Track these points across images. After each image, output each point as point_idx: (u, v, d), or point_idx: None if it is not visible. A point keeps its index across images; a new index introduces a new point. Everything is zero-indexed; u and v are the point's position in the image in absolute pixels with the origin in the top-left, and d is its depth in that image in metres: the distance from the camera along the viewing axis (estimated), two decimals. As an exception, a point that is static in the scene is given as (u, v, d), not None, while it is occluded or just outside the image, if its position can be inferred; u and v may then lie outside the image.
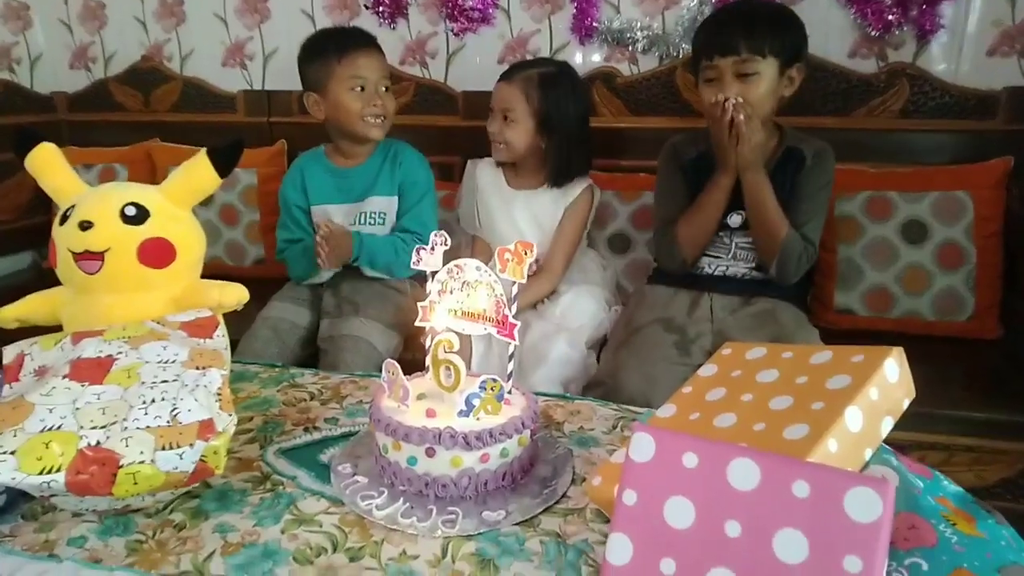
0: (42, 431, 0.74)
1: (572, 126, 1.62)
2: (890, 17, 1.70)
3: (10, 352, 0.87)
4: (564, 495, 0.83)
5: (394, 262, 1.58)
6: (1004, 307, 1.57)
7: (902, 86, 1.70)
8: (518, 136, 1.60)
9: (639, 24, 1.91)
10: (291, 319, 1.59)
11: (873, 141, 1.72)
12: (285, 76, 2.19)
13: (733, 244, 1.50)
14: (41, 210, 2.29)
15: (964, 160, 1.63)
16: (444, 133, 2.03)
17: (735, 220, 1.47)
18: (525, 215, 1.68)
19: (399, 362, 0.86)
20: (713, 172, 1.43)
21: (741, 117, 1.30)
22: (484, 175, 1.74)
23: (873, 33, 1.74)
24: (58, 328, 1.01)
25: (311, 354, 1.58)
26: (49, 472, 0.71)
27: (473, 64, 2.07)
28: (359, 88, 1.56)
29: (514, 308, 0.86)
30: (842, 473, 0.53)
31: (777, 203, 1.38)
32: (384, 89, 1.60)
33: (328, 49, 1.57)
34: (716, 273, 1.52)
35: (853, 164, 1.64)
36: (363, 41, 1.60)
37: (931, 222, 1.56)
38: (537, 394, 0.99)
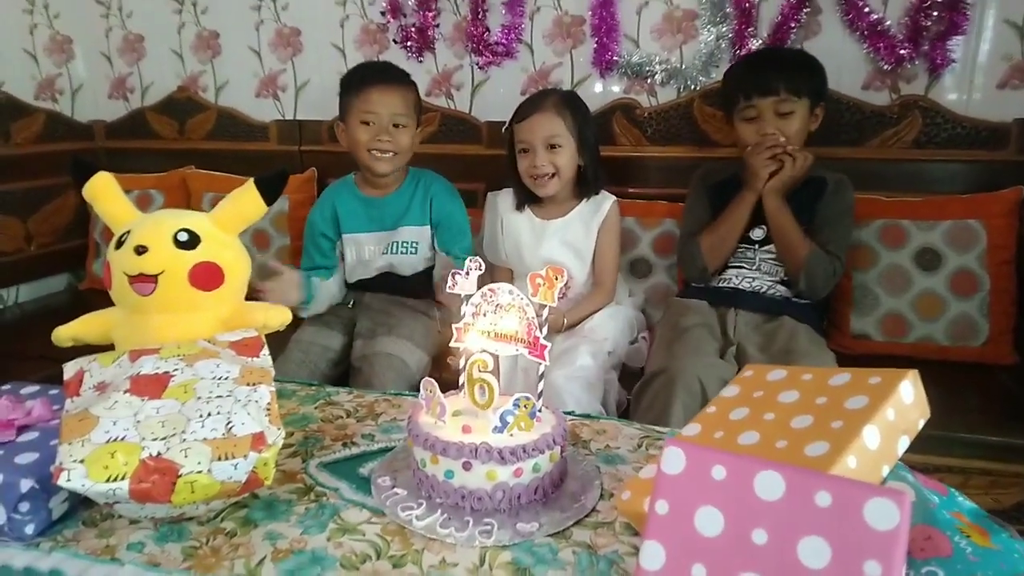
0: (107, 442, 0.79)
1: (597, 137, 1.70)
2: (902, 52, 1.76)
3: (70, 369, 0.92)
4: (594, 509, 0.87)
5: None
6: (1018, 333, 1.60)
7: (915, 118, 1.75)
8: (567, 161, 1.64)
9: (658, 58, 1.98)
10: (322, 343, 1.64)
11: (887, 171, 1.77)
12: (316, 107, 2.28)
13: (757, 257, 1.61)
14: (78, 233, 2.38)
15: (976, 190, 1.67)
16: (468, 161, 2.10)
17: (758, 234, 1.60)
18: (558, 245, 1.70)
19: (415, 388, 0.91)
20: (738, 192, 1.57)
21: (790, 148, 1.50)
22: (507, 210, 1.77)
23: (886, 67, 1.79)
24: (110, 347, 1.06)
25: (340, 374, 1.65)
26: (114, 480, 0.76)
27: (497, 95, 2.14)
28: (369, 123, 1.61)
29: (544, 330, 0.91)
30: (862, 484, 0.57)
31: (797, 225, 1.50)
32: (397, 126, 1.61)
33: (352, 82, 1.64)
34: (743, 286, 1.61)
35: (868, 193, 1.68)
36: (382, 77, 1.63)
37: (945, 250, 1.60)
38: (565, 413, 1.03)
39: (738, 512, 0.59)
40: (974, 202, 1.63)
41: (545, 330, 0.91)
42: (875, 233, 1.65)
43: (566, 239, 1.71)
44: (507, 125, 1.73)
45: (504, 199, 1.79)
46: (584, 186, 1.71)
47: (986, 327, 1.58)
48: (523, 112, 1.67)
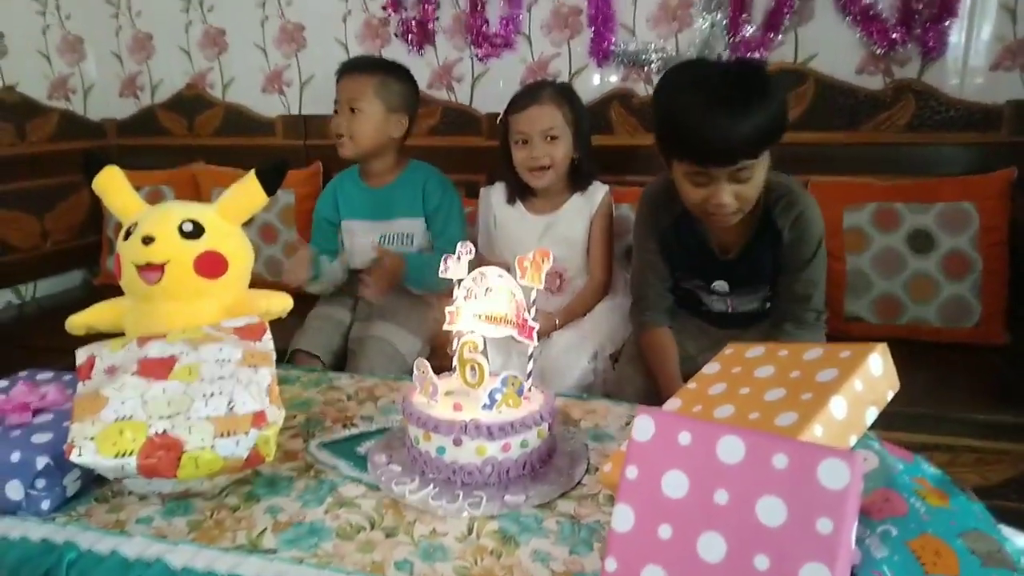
0: (116, 420, 0.84)
1: (590, 128, 1.71)
2: (894, 35, 1.77)
3: (82, 354, 0.97)
4: (579, 483, 0.91)
5: (431, 273, 1.67)
6: (1010, 314, 1.61)
7: (908, 101, 1.76)
8: (563, 152, 1.65)
9: (653, 46, 2.00)
10: (336, 317, 1.75)
11: (880, 155, 1.78)
12: (320, 101, 2.32)
13: (728, 302, 1.44)
14: (92, 230, 2.44)
15: (970, 172, 1.68)
16: (469, 153, 2.14)
17: (721, 286, 1.40)
18: (552, 239, 1.69)
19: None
20: (690, 237, 1.37)
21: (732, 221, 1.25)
22: (500, 205, 1.79)
23: (879, 51, 1.81)
24: (121, 334, 1.11)
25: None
26: (123, 456, 0.81)
27: (496, 87, 2.17)
28: (337, 111, 1.68)
29: (533, 311, 0.94)
30: (816, 447, 0.60)
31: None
32: (351, 110, 1.64)
33: (336, 76, 1.72)
34: (716, 311, 1.47)
35: (861, 177, 1.70)
36: (352, 65, 1.71)
37: (937, 232, 1.61)
38: (556, 394, 1.07)
39: (702, 475, 0.63)
40: (966, 184, 1.64)
41: (534, 311, 0.94)
42: (868, 216, 1.66)
43: (560, 233, 1.71)
44: (501, 116, 1.73)
45: (496, 193, 1.81)
46: (577, 179, 1.72)
47: (978, 308, 1.60)
48: (520, 103, 1.66)
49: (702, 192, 1.22)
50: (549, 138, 1.63)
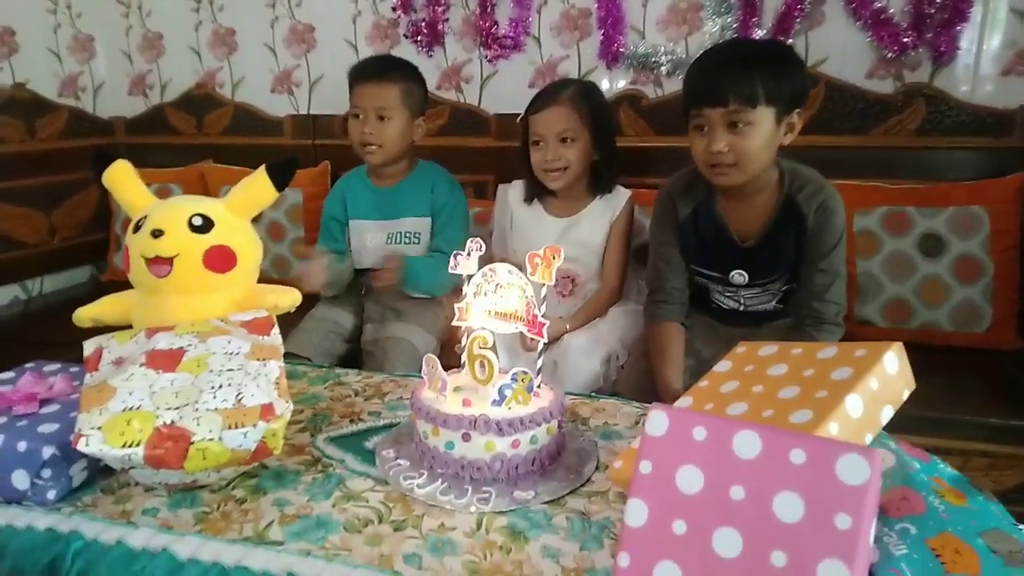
0: (123, 410, 0.83)
1: (614, 131, 1.69)
2: (905, 39, 1.76)
3: (89, 346, 0.97)
4: (589, 480, 0.90)
5: (434, 282, 1.67)
6: (1022, 318, 1.60)
7: (918, 105, 1.76)
8: (579, 155, 1.61)
9: (663, 49, 2.00)
10: (333, 319, 1.72)
11: (891, 159, 1.77)
12: (329, 102, 2.33)
13: (741, 299, 1.43)
14: (100, 227, 2.45)
15: (981, 177, 1.67)
16: (478, 154, 2.14)
17: (737, 279, 1.39)
18: (570, 243, 1.65)
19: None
20: (709, 226, 1.38)
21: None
22: (517, 204, 1.76)
23: (889, 55, 1.80)
24: (128, 327, 1.10)
25: (349, 352, 1.72)
26: (130, 446, 0.81)
27: (505, 88, 2.17)
28: (357, 116, 1.66)
29: (543, 308, 0.94)
30: (834, 442, 0.59)
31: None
32: (381, 118, 1.63)
33: (349, 78, 1.70)
34: (728, 308, 1.47)
35: (872, 181, 1.69)
36: (369, 72, 1.67)
37: (948, 236, 1.60)
38: (565, 393, 1.06)
39: (717, 470, 0.62)
40: (978, 188, 1.63)
41: (544, 307, 0.94)
42: (879, 220, 1.66)
43: (579, 237, 1.67)
44: (522, 116, 1.69)
45: (515, 191, 1.78)
46: (598, 181, 1.68)
47: (989, 313, 1.59)
48: (538, 104, 1.63)
49: (703, 141, 1.26)
50: (564, 140, 1.60)
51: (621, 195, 1.70)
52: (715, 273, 1.42)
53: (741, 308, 1.44)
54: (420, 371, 0.92)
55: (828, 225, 1.29)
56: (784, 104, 1.23)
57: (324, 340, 1.67)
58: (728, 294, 1.44)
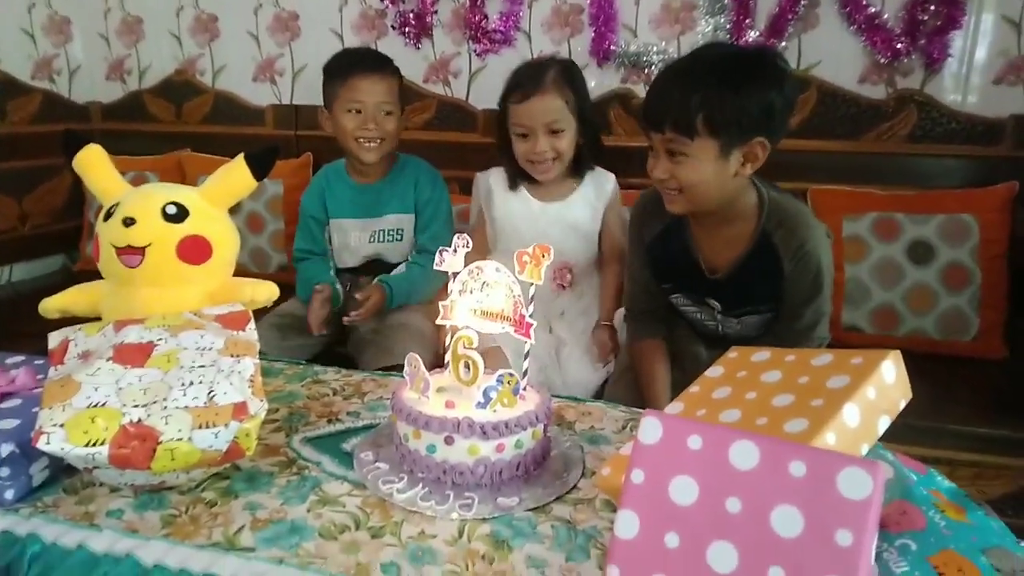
0: (88, 407, 0.79)
1: (593, 110, 1.64)
2: (899, 45, 1.76)
3: (55, 338, 0.92)
4: (575, 486, 0.87)
5: (419, 293, 1.65)
6: (1009, 328, 1.60)
7: (910, 112, 1.75)
8: (569, 142, 1.55)
9: (655, 48, 1.98)
10: (298, 314, 1.65)
11: (881, 165, 1.77)
12: (313, 92, 2.25)
13: (720, 325, 1.35)
14: (73, 214, 2.37)
15: (971, 185, 1.67)
16: (464, 149, 2.10)
17: (714, 303, 1.32)
18: (561, 228, 1.61)
19: (437, 356, 0.91)
20: (678, 249, 1.30)
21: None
22: (500, 190, 1.68)
23: (882, 61, 1.79)
24: (97, 319, 1.06)
25: (314, 346, 1.66)
26: (94, 445, 0.76)
27: (494, 84, 2.13)
28: (355, 111, 1.61)
29: (531, 308, 0.91)
30: (836, 454, 0.57)
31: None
32: (385, 113, 1.62)
33: (337, 70, 1.64)
34: (710, 330, 1.38)
35: (862, 187, 1.69)
36: (368, 65, 1.63)
37: (937, 243, 1.60)
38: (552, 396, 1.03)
39: (713, 481, 0.60)
40: (968, 197, 1.63)
41: (531, 307, 0.91)
42: (868, 226, 1.65)
43: (570, 222, 1.62)
44: (500, 102, 1.61)
45: (496, 178, 1.70)
46: (582, 164, 1.63)
47: (976, 321, 1.58)
48: (521, 92, 1.53)
49: (651, 163, 1.19)
50: (553, 131, 1.53)
51: (607, 179, 1.66)
52: (688, 300, 1.36)
53: (720, 331, 1.36)
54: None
55: (807, 272, 1.18)
56: (734, 135, 1.09)
57: (287, 337, 1.62)
58: (706, 318, 1.36)
